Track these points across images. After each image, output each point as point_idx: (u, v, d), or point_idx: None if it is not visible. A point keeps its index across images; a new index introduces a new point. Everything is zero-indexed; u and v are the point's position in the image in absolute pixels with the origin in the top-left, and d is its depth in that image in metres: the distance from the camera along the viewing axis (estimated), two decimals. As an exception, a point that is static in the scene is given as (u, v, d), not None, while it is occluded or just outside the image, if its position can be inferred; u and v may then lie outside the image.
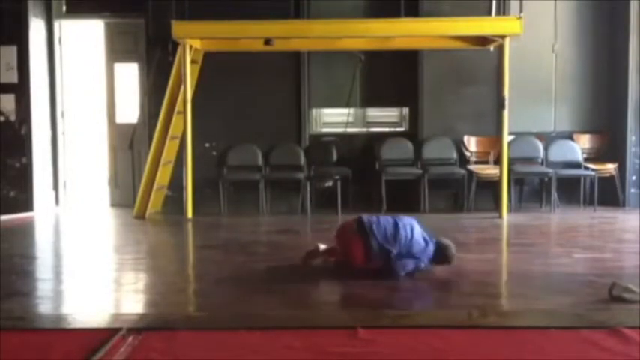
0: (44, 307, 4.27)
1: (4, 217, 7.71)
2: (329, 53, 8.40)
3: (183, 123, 7.63)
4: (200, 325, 3.69)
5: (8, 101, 8.13)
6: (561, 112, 8.46)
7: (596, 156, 8.33)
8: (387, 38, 7.93)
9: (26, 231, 7.29)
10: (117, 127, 8.83)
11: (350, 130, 8.63)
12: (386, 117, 8.99)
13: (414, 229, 4.89)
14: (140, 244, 6.53)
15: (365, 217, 4.96)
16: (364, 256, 4.82)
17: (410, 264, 4.77)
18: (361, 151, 8.52)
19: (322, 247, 5.19)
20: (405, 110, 8.74)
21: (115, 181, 8.92)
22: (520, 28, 7.26)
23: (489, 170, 8.04)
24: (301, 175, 8.14)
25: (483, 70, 8.24)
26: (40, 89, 8.36)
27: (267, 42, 7.71)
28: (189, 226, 7.40)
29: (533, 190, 8.44)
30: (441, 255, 4.90)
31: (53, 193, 8.66)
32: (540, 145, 8.22)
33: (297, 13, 8.21)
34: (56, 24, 8.64)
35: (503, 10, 7.72)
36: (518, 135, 8.14)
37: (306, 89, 8.43)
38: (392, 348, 3.27)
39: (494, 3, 7.85)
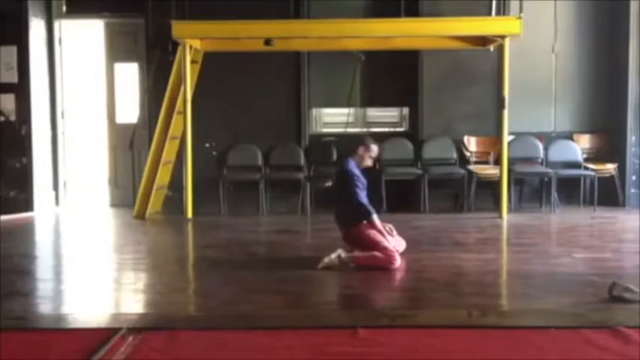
0: (44, 307, 4.27)
1: (4, 217, 7.71)
2: (329, 53, 8.40)
3: (184, 123, 7.63)
4: (200, 325, 3.70)
5: (8, 101, 8.13)
6: (561, 112, 8.45)
7: (596, 156, 8.33)
8: (387, 38, 7.93)
9: (26, 231, 7.29)
10: (117, 127, 8.82)
11: (350, 130, 8.63)
12: (386, 117, 9.00)
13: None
14: (140, 244, 6.53)
15: None
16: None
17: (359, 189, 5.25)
18: (361, 151, 8.49)
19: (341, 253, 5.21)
20: (405, 110, 8.75)
21: (115, 181, 8.92)
22: (520, 28, 7.25)
23: (489, 170, 8.04)
24: (301, 175, 8.13)
25: (483, 70, 8.24)
26: (40, 89, 8.36)
27: (267, 42, 7.71)
28: (189, 226, 7.39)
29: (533, 190, 8.44)
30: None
31: (53, 193, 8.66)
32: (540, 145, 8.22)
33: (297, 13, 8.21)
34: (56, 24, 8.64)
35: (503, 10, 7.72)
36: (518, 135, 8.14)
37: (306, 89, 8.42)
38: (392, 348, 3.27)
39: (494, 3, 7.84)
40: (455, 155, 8.24)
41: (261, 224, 7.64)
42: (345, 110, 8.58)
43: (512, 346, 3.34)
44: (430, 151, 8.25)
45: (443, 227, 7.02)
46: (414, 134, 8.45)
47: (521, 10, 7.33)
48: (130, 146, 8.54)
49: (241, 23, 7.44)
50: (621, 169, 8.13)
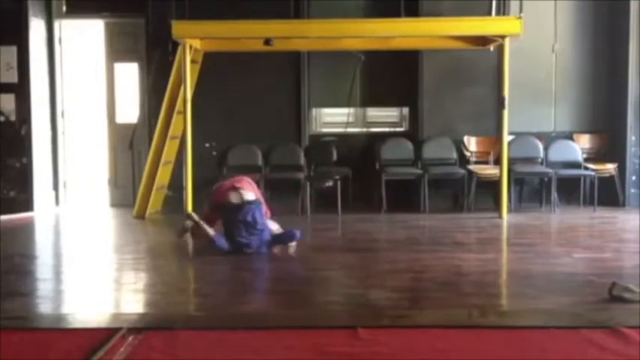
0: (44, 307, 4.27)
1: (4, 217, 7.71)
2: (329, 53, 8.40)
3: (184, 123, 7.62)
4: (200, 325, 3.69)
5: (8, 101, 8.12)
6: (561, 112, 8.45)
7: (596, 156, 8.33)
8: (387, 38, 7.93)
9: (26, 231, 7.29)
10: (117, 127, 8.83)
11: (350, 130, 8.64)
12: (386, 117, 9.01)
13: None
14: (140, 244, 6.53)
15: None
16: None
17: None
18: (361, 151, 8.51)
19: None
20: (405, 110, 8.75)
21: (115, 181, 8.92)
22: (520, 28, 7.26)
23: (489, 170, 8.04)
24: (301, 175, 8.13)
25: (483, 70, 8.24)
26: (40, 89, 8.36)
27: (267, 42, 7.71)
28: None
29: (533, 190, 8.44)
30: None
31: (53, 193, 8.66)
32: (540, 145, 8.22)
33: (297, 13, 8.20)
34: (56, 24, 8.64)
35: (503, 10, 7.72)
36: (518, 135, 8.14)
37: (306, 89, 8.42)
38: (392, 348, 3.27)
39: (494, 3, 7.84)
40: (455, 155, 8.24)
41: (261, 224, 7.61)
42: (345, 110, 8.59)
43: (512, 346, 3.34)
44: (430, 151, 8.25)
45: (443, 227, 7.02)
46: (414, 134, 8.45)
47: (521, 10, 7.33)
48: (130, 146, 8.54)
49: (241, 23, 7.44)
50: (621, 169, 8.13)
